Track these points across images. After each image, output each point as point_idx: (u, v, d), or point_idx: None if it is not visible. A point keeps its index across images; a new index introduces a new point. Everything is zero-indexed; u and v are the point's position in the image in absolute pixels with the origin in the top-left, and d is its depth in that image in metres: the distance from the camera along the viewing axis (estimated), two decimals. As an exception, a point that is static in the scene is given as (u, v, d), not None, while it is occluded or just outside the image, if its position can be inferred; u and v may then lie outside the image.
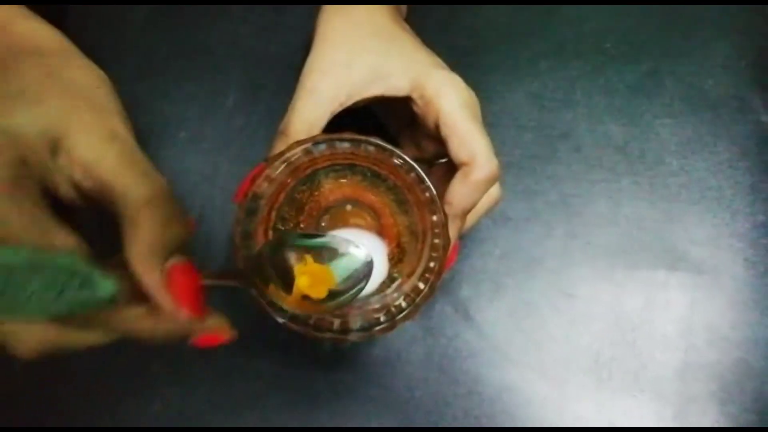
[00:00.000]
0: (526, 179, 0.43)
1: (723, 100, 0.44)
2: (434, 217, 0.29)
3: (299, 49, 0.34)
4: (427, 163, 0.35)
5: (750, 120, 0.44)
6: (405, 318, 0.29)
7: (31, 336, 0.24)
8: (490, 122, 0.43)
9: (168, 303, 0.24)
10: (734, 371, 0.39)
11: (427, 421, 0.39)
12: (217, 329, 0.27)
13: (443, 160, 0.34)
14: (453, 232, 0.30)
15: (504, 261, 0.41)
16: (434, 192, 0.29)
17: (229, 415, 0.39)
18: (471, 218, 0.33)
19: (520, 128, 0.44)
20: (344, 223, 0.34)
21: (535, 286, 0.41)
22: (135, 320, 0.25)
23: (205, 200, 0.42)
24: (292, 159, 0.30)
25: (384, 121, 0.39)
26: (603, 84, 0.44)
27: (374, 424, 0.39)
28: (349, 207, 0.34)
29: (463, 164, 0.30)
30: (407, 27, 0.36)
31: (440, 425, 0.39)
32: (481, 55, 0.45)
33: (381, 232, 0.34)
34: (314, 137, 0.30)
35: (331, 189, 0.34)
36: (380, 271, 0.32)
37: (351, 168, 0.32)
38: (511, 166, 0.43)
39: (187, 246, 0.26)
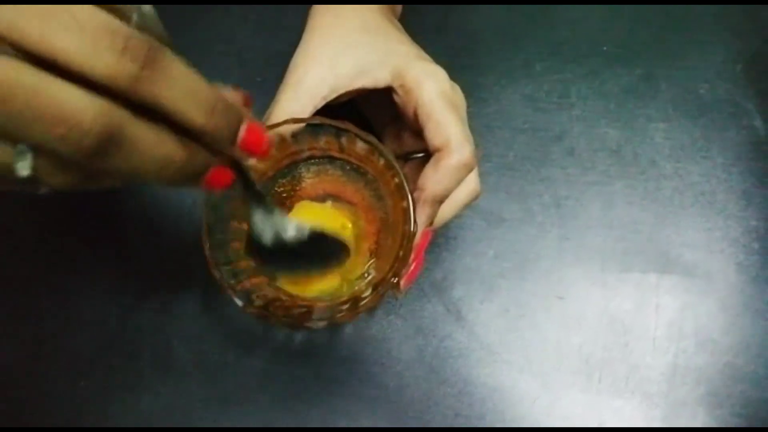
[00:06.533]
0: (520, 181, 0.43)
1: (717, 105, 0.44)
2: (403, 203, 0.30)
3: (296, 46, 0.35)
4: (404, 158, 0.35)
5: (744, 125, 0.44)
6: (366, 306, 0.29)
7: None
8: (485, 124, 0.43)
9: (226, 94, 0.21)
10: (723, 375, 0.40)
11: (417, 421, 0.39)
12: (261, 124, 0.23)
13: (421, 155, 0.34)
14: (423, 218, 0.30)
15: (497, 262, 0.42)
16: (402, 177, 0.30)
17: (219, 412, 0.39)
18: (448, 209, 0.33)
19: (514, 130, 0.44)
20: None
21: (527, 288, 0.41)
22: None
23: (201, 193, 0.42)
24: None
25: (368, 117, 0.39)
26: (598, 87, 0.45)
27: (364, 423, 0.39)
28: (329, 203, 0.34)
29: (437, 151, 0.30)
30: (397, 24, 0.36)
31: (430, 425, 0.39)
32: (476, 57, 0.45)
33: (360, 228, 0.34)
34: (286, 120, 0.30)
35: (312, 183, 0.34)
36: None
37: (330, 161, 0.33)
38: (505, 167, 0.43)
39: None
